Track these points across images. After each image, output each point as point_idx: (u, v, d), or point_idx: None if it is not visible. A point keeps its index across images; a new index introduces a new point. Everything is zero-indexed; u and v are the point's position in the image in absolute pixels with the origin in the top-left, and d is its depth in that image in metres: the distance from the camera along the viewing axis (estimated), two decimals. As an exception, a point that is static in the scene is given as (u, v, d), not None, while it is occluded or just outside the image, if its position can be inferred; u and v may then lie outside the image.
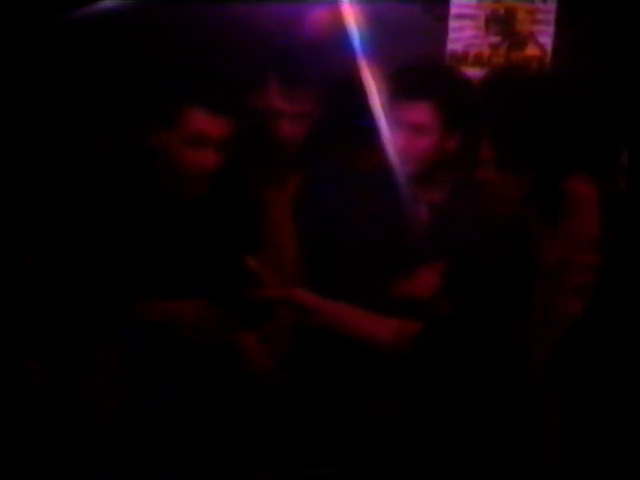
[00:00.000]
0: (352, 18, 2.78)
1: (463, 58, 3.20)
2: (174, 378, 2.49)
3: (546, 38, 3.19)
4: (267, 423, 2.57)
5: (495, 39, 3.21)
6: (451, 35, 3.19)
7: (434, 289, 2.47)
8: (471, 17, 3.19)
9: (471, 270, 2.41)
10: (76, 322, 2.47)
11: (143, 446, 2.48)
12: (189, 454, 2.49)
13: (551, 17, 3.18)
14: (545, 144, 2.38)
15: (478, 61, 3.21)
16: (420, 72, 2.62)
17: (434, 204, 2.61)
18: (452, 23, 3.19)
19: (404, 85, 2.57)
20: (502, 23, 3.19)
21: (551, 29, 3.19)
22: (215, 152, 2.49)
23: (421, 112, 2.55)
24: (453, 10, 3.19)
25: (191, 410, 2.51)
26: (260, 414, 2.57)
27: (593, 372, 2.35)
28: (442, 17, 3.19)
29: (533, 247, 2.41)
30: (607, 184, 2.48)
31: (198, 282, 2.52)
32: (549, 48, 3.21)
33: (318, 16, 2.93)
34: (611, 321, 2.35)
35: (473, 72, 3.15)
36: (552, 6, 3.16)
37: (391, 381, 2.50)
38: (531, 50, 3.21)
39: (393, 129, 2.56)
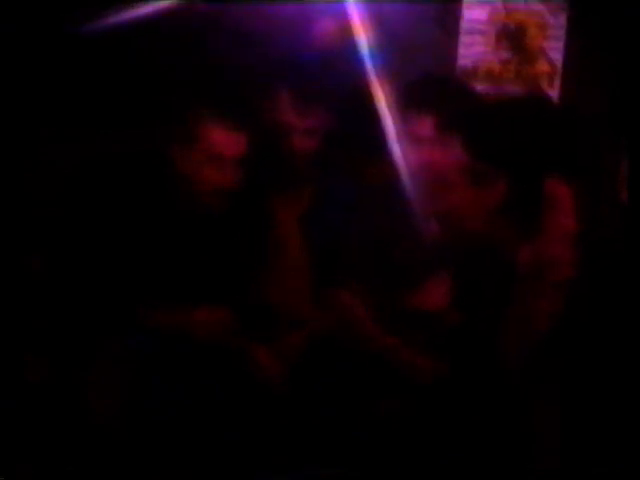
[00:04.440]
0: (362, 33, 2.79)
1: (473, 73, 3.20)
2: (178, 382, 2.49)
3: (556, 54, 3.20)
4: (271, 423, 2.57)
5: (505, 55, 3.22)
6: (461, 51, 3.20)
7: (445, 301, 2.49)
8: (481, 33, 3.20)
9: (470, 281, 2.43)
10: (80, 323, 2.48)
11: (143, 447, 2.49)
12: (190, 456, 2.50)
13: (561, 33, 3.18)
14: (520, 154, 2.40)
15: (488, 77, 3.21)
16: (430, 85, 2.64)
17: (444, 215, 2.62)
18: (462, 39, 3.20)
19: (416, 98, 2.59)
20: (513, 38, 3.20)
21: (561, 45, 3.20)
22: (231, 170, 2.51)
23: (435, 125, 2.56)
24: (464, 26, 3.20)
25: (194, 412, 2.51)
26: (264, 415, 2.57)
27: (578, 366, 2.35)
28: (453, 32, 3.20)
29: (511, 253, 2.42)
30: (583, 183, 2.51)
31: (209, 290, 2.53)
32: (559, 64, 3.21)
33: (327, 30, 2.94)
34: (592, 315, 2.36)
35: (483, 87, 3.16)
36: (562, 21, 3.17)
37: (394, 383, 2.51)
38: (541, 66, 3.22)
39: (408, 142, 2.57)
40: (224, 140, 2.49)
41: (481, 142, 2.35)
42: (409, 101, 2.58)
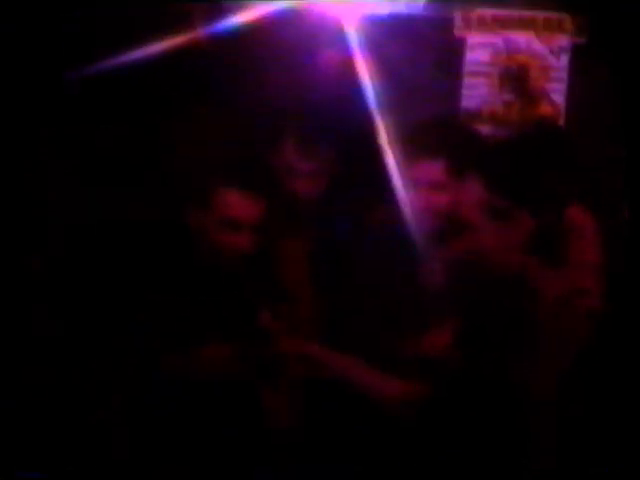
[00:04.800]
0: (365, 76, 2.80)
1: (477, 116, 3.20)
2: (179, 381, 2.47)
3: (559, 96, 3.20)
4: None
5: (509, 97, 3.21)
6: (464, 92, 3.20)
7: (446, 347, 2.47)
8: (484, 75, 3.20)
9: (480, 327, 2.41)
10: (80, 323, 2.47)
11: (144, 445, 2.45)
12: (190, 453, 2.46)
13: (564, 75, 3.18)
14: (539, 186, 2.40)
15: (492, 119, 3.21)
16: (434, 130, 2.64)
17: (448, 260, 2.60)
18: (466, 80, 3.20)
19: (420, 143, 2.59)
20: (515, 80, 3.20)
21: (564, 87, 3.20)
22: (250, 235, 2.51)
23: (438, 169, 2.56)
24: (466, 67, 3.20)
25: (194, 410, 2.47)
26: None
27: (602, 396, 2.34)
28: (456, 74, 3.20)
29: (538, 286, 2.40)
30: (604, 212, 2.52)
31: (217, 330, 2.51)
32: (562, 106, 3.21)
33: (330, 73, 2.94)
34: (618, 346, 2.35)
35: (487, 129, 3.15)
36: (564, 63, 3.17)
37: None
38: (544, 108, 3.21)
39: (410, 187, 2.57)
40: (241, 204, 2.49)
41: (500, 178, 2.35)
42: (417, 147, 2.58)
